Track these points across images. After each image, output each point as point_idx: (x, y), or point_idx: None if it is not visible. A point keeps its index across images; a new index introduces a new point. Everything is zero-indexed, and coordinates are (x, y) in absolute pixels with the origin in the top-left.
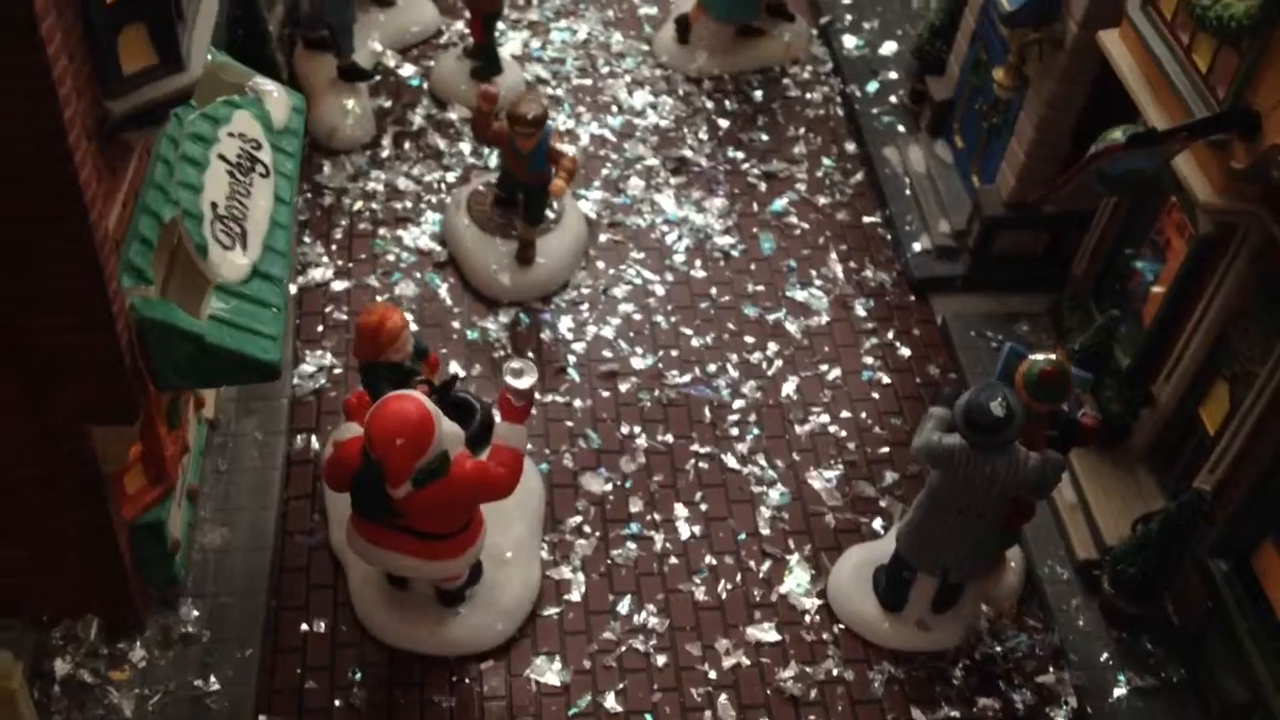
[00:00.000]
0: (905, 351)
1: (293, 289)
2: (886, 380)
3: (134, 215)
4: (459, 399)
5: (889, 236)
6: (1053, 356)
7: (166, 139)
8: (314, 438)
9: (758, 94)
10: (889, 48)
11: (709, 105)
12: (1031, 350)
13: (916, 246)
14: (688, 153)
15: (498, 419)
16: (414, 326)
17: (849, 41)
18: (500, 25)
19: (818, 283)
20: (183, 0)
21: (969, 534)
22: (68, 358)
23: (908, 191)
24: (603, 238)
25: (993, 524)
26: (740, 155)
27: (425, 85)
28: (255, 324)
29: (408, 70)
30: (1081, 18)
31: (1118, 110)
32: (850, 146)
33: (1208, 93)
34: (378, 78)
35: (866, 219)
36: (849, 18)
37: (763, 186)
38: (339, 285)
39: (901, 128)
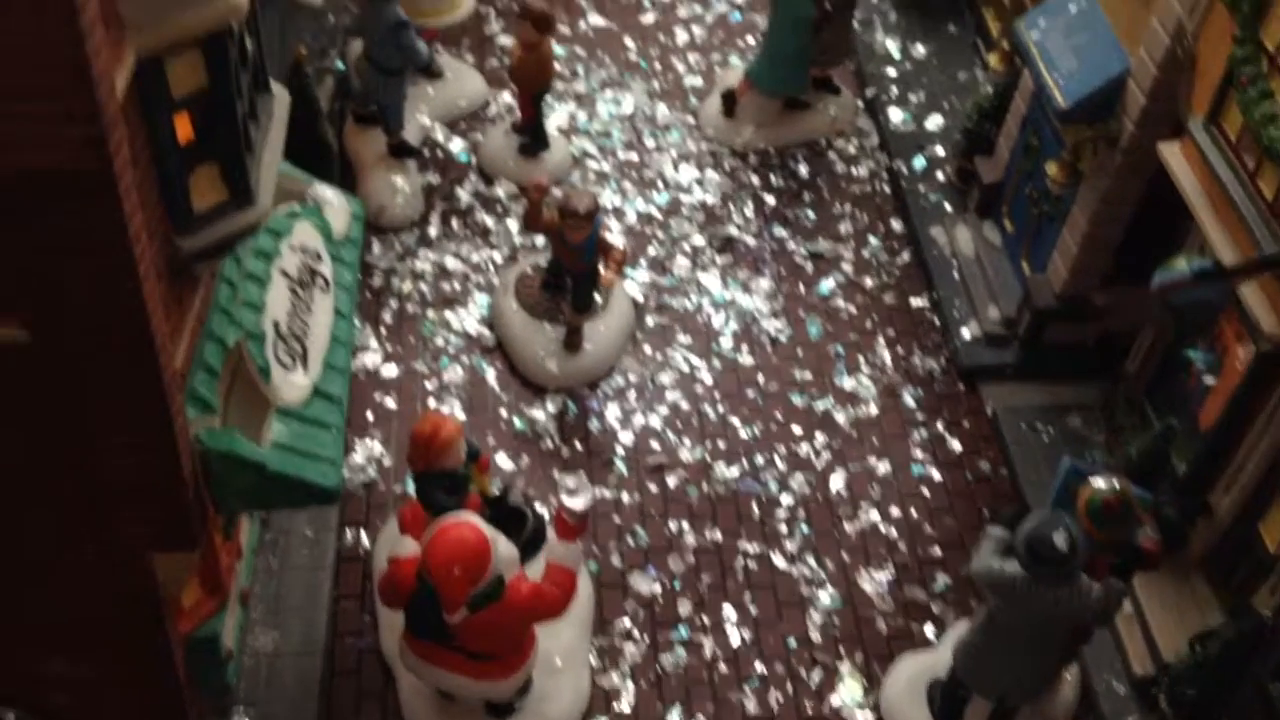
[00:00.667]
0: (955, 445)
1: None
2: (937, 476)
3: (199, 342)
4: (512, 508)
5: (937, 321)
6: (1115, 484)
7: (230, 258)
8: (364, 533)
9: (803, 169)
10: (935, 122)
11: (755, 181)
12: (1087, 459)
13: (965, 333)
14: (734, 230)
15: (551, 535)
16: (461, 417)
17: (895, 115)
18: (547, 98)
19: (865, 370)
20: (251, 133)
21: (1029, 661)
22: (131, 488)
23: (956, 274)
24: (650, 320)
25: (1054, 652)
26: (786, 233)
27: (473, 160)
28: (315, 448)
29: (456, 145)
30: (1138, 118)
31: (1176, 204)
32: (897, 225)
33: (1274, 221)
34: (426, 153)
35: (914, 302)
36: (895, 91)
37: (809, 267)
38: (389, 371)
39: (949, 206)
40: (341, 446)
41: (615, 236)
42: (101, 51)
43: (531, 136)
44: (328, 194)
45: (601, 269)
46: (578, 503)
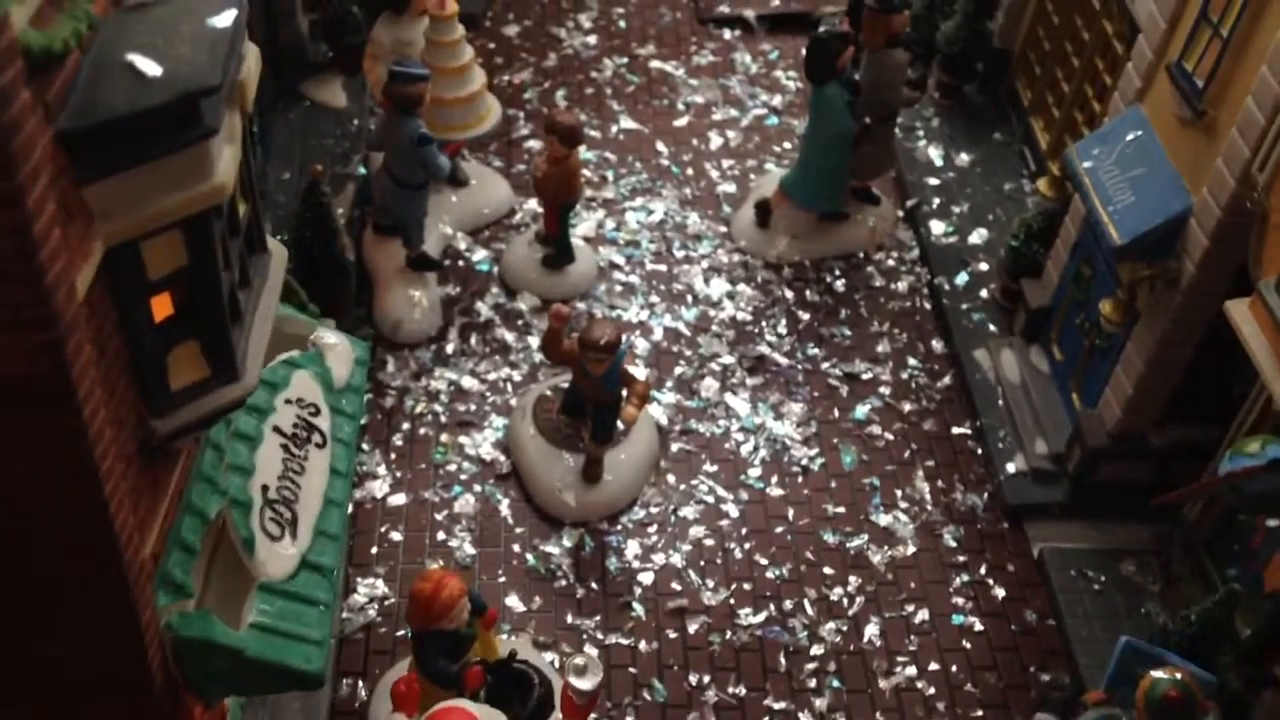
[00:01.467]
0: (999, 591)
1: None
2: (979, 626)
3: (177, 518)
4: (517, 672)
5: (980, 451)
6: (1178, 677)
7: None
8: (361, 684)
9: (840, 283)
10: (979, 235)
11: (789, 295)
12: (1143, 615)
13: (1011, 467)
14: (765, 349)
15: (557, 715)
16: (471, 551)
17: (937, 227)
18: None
19: (903, 505)
20: (240, 301)
21: None
22: (97, 683)
23: (1000, 401)
24: (674, 446)
25: None
26: (821, 352)
27: (495, 270)
28: (299, 628)
29: (478, 255)
30: (1200, 259)
31: (1236, 345)
32: (938, 345)
33: None
34: (447, 262)
35: (956, 430)
36: (937, 201)
37: (844, 390)
38: (396, 499)
39: (993, 327)
40: (329, 625)
41: (639, 369)
42: (60, 255)
43: (556, 250)
44: (330, 338)
45: (624, 402)
46: (586, 683)
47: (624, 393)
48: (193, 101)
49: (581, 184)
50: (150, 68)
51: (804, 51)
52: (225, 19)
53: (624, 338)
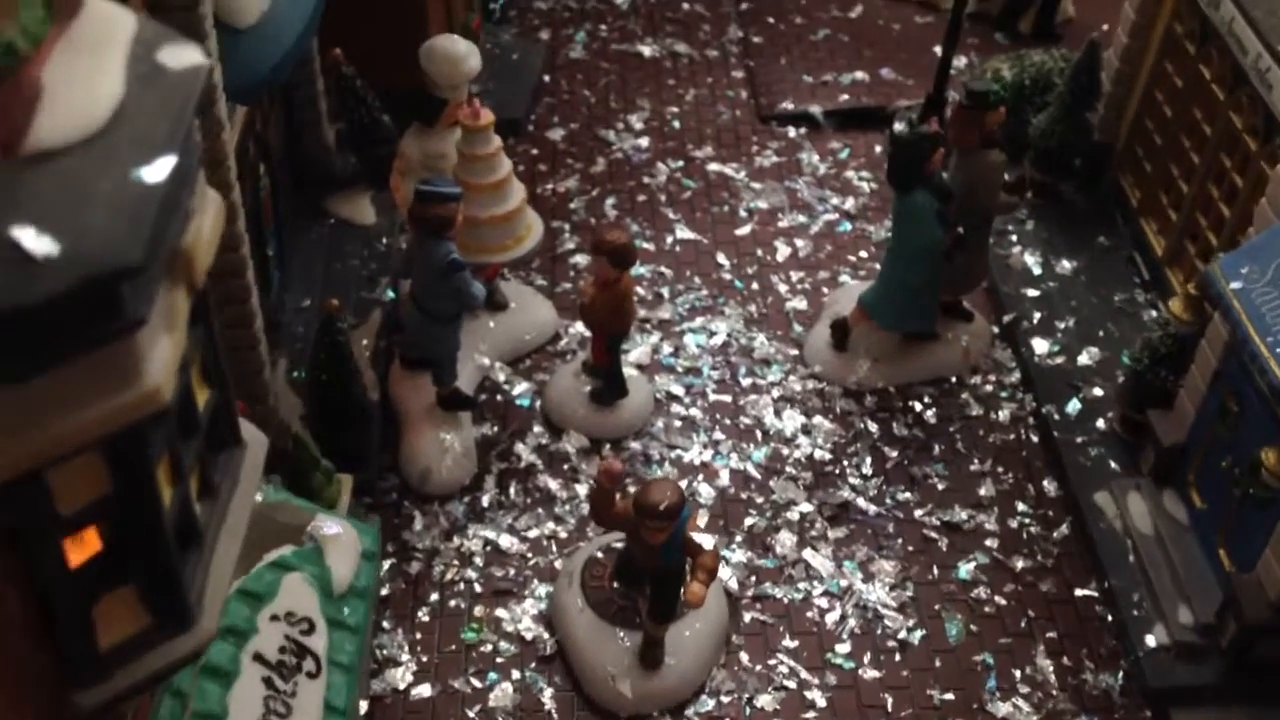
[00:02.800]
0: None
1: (363, 705)
2: None
3: None
4: None
5: (1110, 619)
6: None
7: None
8: None
9: (931, 413)
10: (1090, 354)
11: (873, 429)
12: None
13: (1150, 640)
14: (848, 494)
15: None
16: None
17: (1039, 346)
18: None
19: (1023, 689)
20: (198, 518)
21: None
22: None
23: (1131, 557)
24: (747, 616)
25: None
26: (913, 497)
27: (538, 405)
28: None
29: (519, 388)
30: None
31: None
32: (1050, 487)
33: None
34: (483, 397)
35: (1079, 592)
36: (1038, 315)
37: (943, 543)
38: (421, 691)
39: (1115, 465)
40: None
41: (705, 536)
42: None
43: (606, 382)
44: (331, 528)
45: (689, 577)
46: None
47: (687, 563)
48: (107, 286)
49: (634, 309)
50: (42, 245)
51: (887, 154)
52: (158, 171)
53: (687, 501)
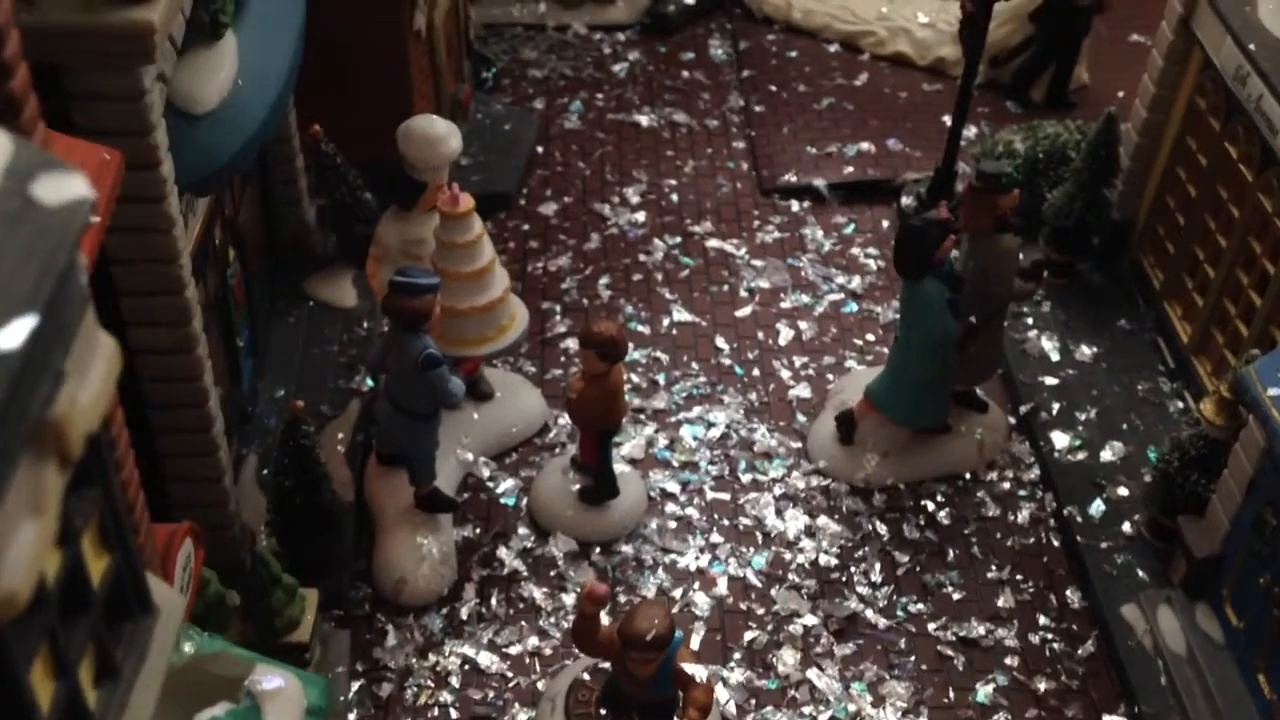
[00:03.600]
0: None
1: None
2: None
3: None
4: None
5: None
6: None
7: None
8: None
9: (944, 514)
10: (1114, 449)
11: (882, 531)
12: None
13: None
14: (856, 604)
15: None
16: None
17: (1059, 440)
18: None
19: None
20: (92, 713)
21: None
22: None
23: (1163, 679)
24: None
25: None
26: (926, 609)
27: (524, 503)
28: None
29: (504, 485)
30: None
31: None
32: (1074, 597)
33: None
34: (465, 496)
35: (1108, 718)
36: (1056, 407)
37: (959, 661)
38: None
39: (1143, 573)
40: None
41: (698, 667)
42: None
43: (596, 482)
44: (272, 682)
45: (679, 714)
46: None
47: (678, 695)
48: None
49: (625, 404)
50: None
51: (894, 241)
52: (12, 336)
53: (676, 629)
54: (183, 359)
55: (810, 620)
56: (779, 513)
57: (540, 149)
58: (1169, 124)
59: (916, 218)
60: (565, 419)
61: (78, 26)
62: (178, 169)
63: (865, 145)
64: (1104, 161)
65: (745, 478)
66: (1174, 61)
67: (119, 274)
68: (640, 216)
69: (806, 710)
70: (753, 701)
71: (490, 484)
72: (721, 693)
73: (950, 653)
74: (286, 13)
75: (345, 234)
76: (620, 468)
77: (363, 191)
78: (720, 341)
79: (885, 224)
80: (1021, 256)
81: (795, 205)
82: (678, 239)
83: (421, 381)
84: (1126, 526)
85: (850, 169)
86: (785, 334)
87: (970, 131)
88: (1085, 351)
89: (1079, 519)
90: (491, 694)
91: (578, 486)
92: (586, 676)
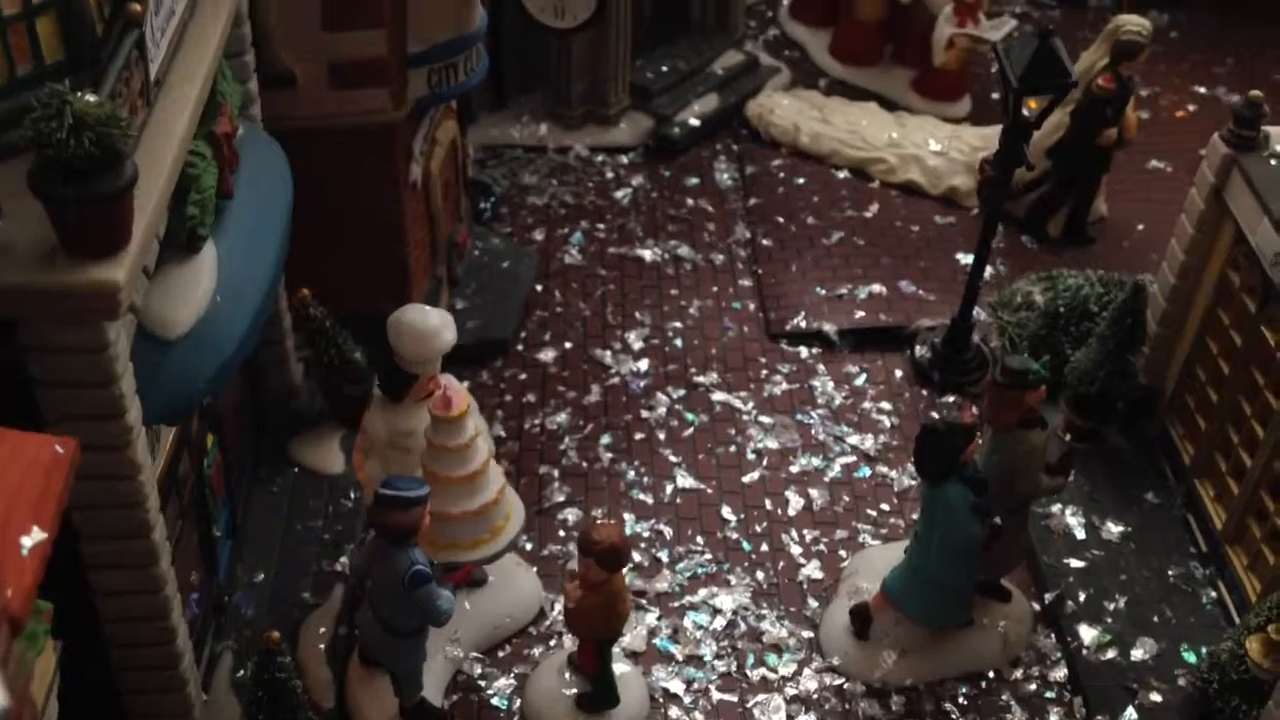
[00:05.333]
0: None
1: None
2: None
3: None
4: None
5: None
6: None
7: None
8: None
9: None
10: (1145, 648)
11: None
12: None
13: None
14: None
15: None
16: None
17: (1087, 634)
18: None
19: None
20: None
21: None
22: None
23: None
24: None
25: None
26: None
27: (517, 705)
28: None
29: (496, 684)
30: None
31: None
32: None
33: None
34: (455, 699)
35: None
36: (1083, 595)
37: None
38: None
39: None
40: None
41: None
42: None
43: (595, 686)
44: None
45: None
46: None
47: None
48: None
49: (627, 609)
50: None
51: (915, 444)
52: None
53: None
54: (145, 599)
55: None
56: (790, 717)
57: (539, 286)
58: (1198, 292)
59: (939, 421)
60: (564, 600)
61: (37, 287)
62: (146, 401)
63: (876, 287)
64: (1130, 331)
65: (754, 675)
66: (1204, 230)
67: (79, 519)
68: (643, 365)
69: None
70: None
71: (481, 683)
72: None
73: None
74: (272, 206)
75: (334, 395)
76: (620, 666)
77: (352, 352)
78: (726, 512)
79: (898, 374)
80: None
81: (804, 351)
82: (682, 391)
83: (408, 598)
84: None
85: (861, 313)
86: (795, 502)
87: (985, 271)
88: (1112, 529)
89: None
90: None
91: (575, 691)
92: None
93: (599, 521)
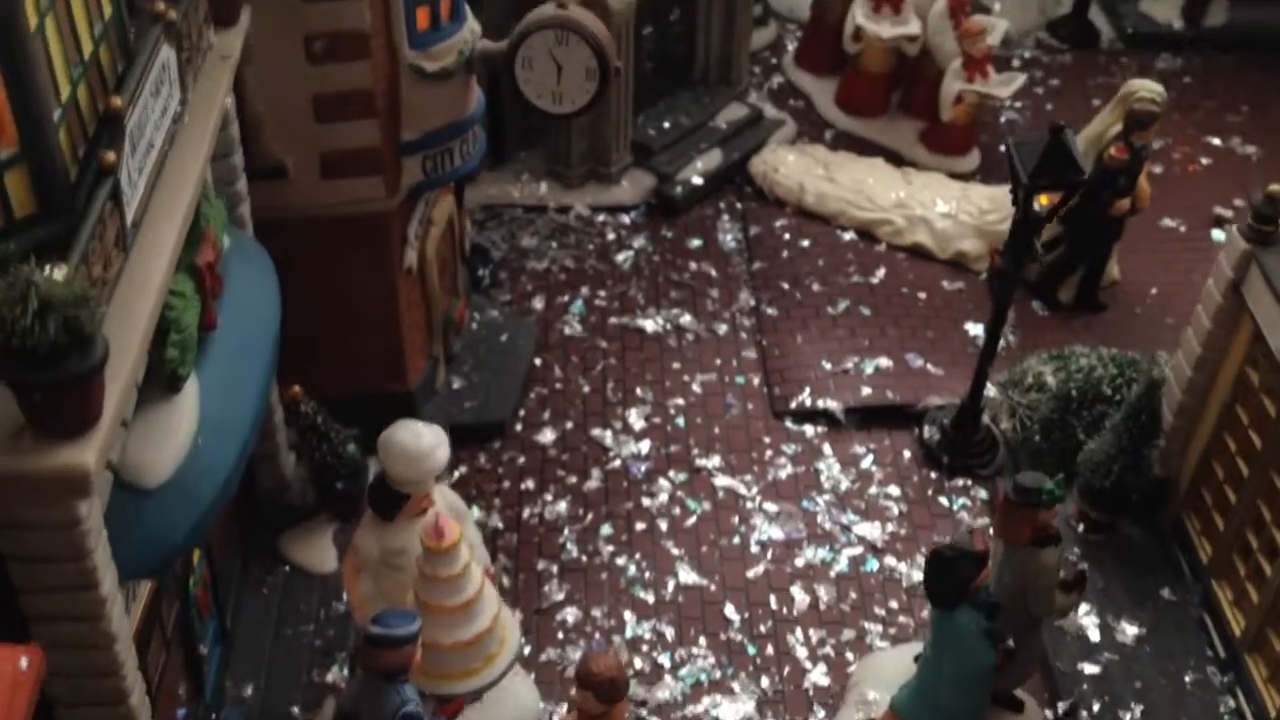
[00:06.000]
0: None
1: None
2: None
3: None
4: None
5: None
6: None
7: None
8: None
9: None
10: None
11: None
12: None
13: None
14: None
15: None
16: None
17: None
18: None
19: None
20: None
21: None
22: None
23: None
24: None
25: None
26: None
27: None
28: None
29: None
30: None
31: None
32: None
33: None
34: None
35: None
36: (1097, 705)
37: None
38: None
39: None
40: None
41: None
42: None
43: None
44: None
45: None
46: None
47: None
48: None
49: None
50: None
51: (924, 569)
52: None
53: None
54: None
55: None
56: None
57: (539, 360)
58: (1215, 385)
59: (949, 547)
60: (561, 710)
61: (2, 469)
62: (122, 557)
63: (883, 360)
64: (1145, 426)
65: None
66: (1221, 324)
67: (53, 687)
68: (644, 446)
69: None
70: None
71: None
72: None
73: None
74: (258, 328)
75: (327, 490)
76: None
77: (344, 447)
78: (730, 610)
79: (906, 454)
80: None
81: (810, 430)
82: (684, 475)
83: None
84: None
85: (868, 390)
86: (800, 599)
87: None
88: (1127, 631)
89: None
90: None
91: None
92: None
93: (596, 653)
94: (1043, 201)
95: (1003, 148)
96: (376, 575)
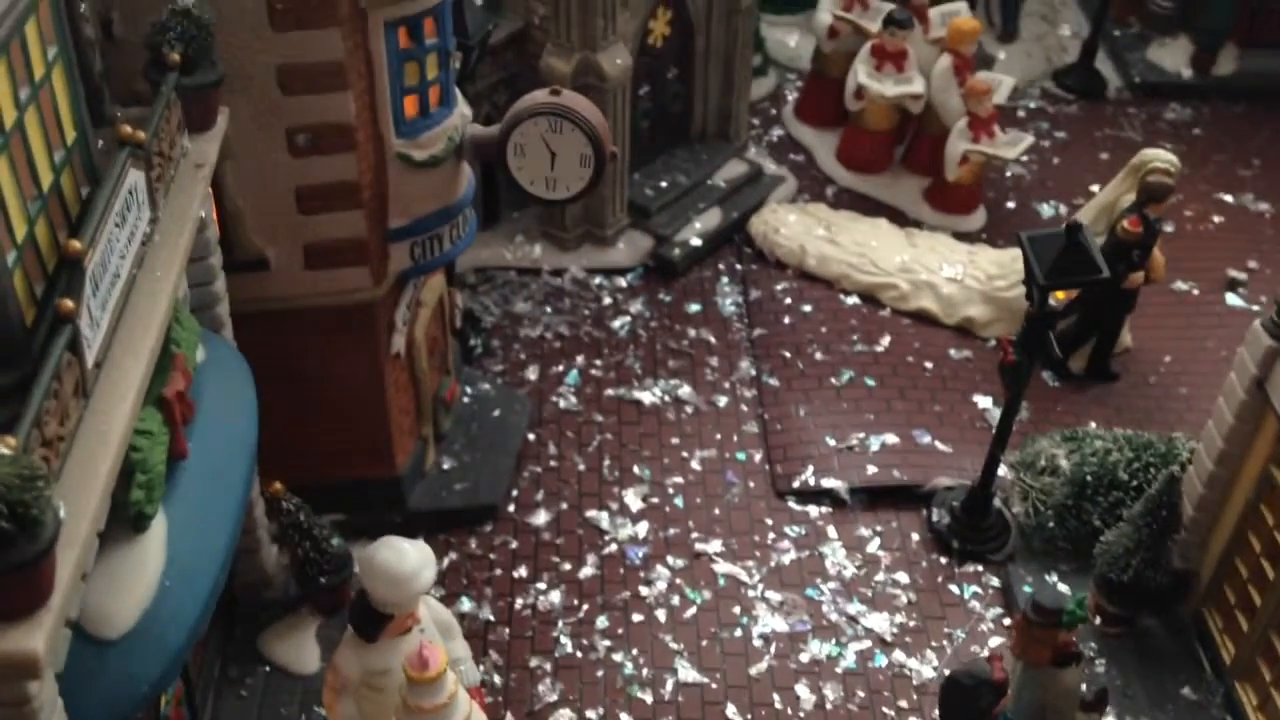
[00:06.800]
0: None
1: None
2: None
3: None
4: None
5: None
6: None
7: None
8: None
9: None
10: None
11: None
12: None
13: None
14: None
15: None
16: None
17: None
18: None
19: None
20: None
21: None
22: None
23: None
24: None
25: None
26: None
27: None
28: None
29: None
30: None
31: None
32: None
33: None
34: None
35: None
36: None
37: None
38: None
39: None
40: None
41: None
42: None
43: None
44: None
45: None
46: None
47: None
48: None
49: None
50: None
51: (940, 695)
52: None
53: None
54: None
55: None
56: None
57: (532, 436)
58: (1238, 480)
59: (967, 675)
60: None
61: None
62: (82, 711)
63: (890, 437)
64: (1165, 521)
65: None
66: (1244, 420)
67: None
68: (642, 529)
69: None
70: None
71: None
72: None
73: None
74: (232, 451)
75: (309, 585)
76: None
77: (328, 542)
78: (732, 711)
79: (914, 537)
80: (1084, 687)
81: (814, 511)
82: (683, 561)
83: None
84: None
85: (874, 468)
86: (806, 699)
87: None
88: None
89: None
90: None
91: None
92: None
93: None
94: (1059, 297)
95: (1018, 245)
96: (358, 697)
